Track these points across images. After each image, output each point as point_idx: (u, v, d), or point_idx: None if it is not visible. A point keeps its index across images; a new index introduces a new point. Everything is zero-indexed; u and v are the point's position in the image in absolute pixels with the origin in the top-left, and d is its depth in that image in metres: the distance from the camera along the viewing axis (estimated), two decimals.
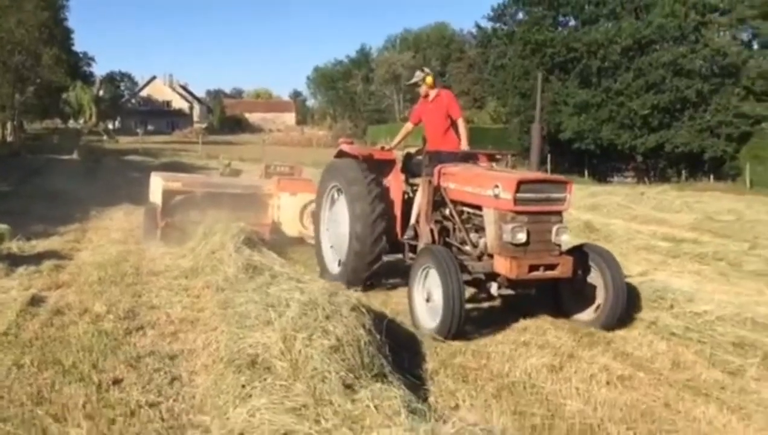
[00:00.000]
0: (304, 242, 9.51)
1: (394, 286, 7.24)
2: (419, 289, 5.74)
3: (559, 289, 6.04)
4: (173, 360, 4.63)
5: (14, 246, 8.46)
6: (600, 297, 5.75)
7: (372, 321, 4.47)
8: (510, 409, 4.01)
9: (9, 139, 42.45)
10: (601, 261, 5.79)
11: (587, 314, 5.89)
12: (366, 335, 4.16)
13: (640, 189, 22.93)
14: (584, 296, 5.89)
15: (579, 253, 5.89)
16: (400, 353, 4.76)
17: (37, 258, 8.02)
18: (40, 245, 8.97)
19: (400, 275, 7.05)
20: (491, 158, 7.24)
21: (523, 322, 5.95)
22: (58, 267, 7.68)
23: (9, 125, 45.01)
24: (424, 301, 5.67)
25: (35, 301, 6.05)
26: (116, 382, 4.16)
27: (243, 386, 3.75)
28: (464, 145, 7.02)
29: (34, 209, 12.34)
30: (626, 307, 5.80)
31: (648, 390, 4.43)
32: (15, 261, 7.65)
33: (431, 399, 4.10)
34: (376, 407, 3.14)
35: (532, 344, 5.33)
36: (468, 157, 6.93)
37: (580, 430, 3.79)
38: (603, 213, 15.72)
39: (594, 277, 5.83)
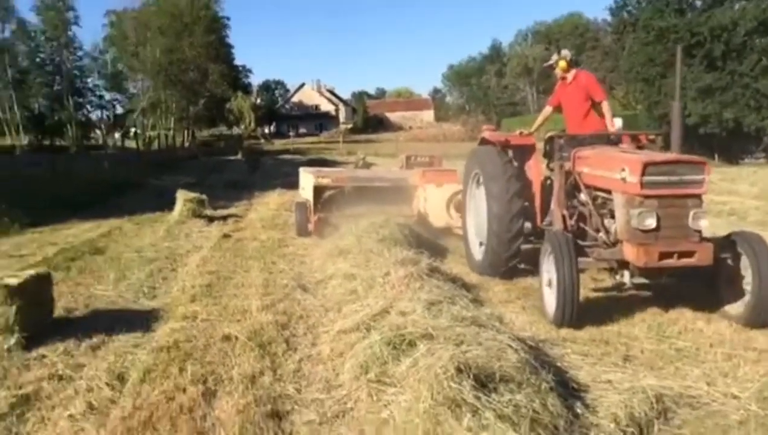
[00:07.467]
0: (452, 233, 9.54)
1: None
2: (545, 275, 5.56)
3: (715, 280, 5.50)
4: (302, 257, 8.34)
5: (208, 212, 12.73)
6: (749, 290, 5.21)
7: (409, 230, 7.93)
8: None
9: (186, 144, 50.08)
10: (749, 249, 5.22)
11: (737, 308, 5.34)
12: (402, 236, 7.60)
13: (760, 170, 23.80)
14: (736, 288, 5.33)
15: (728, 240, 5.44)
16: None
17: (223, 218, 12.30)
18: (223, 212, 13.31)
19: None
20: (636, 140, 6.77)
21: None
22: (237, 221, 11.99)
23: (185, 133, 52.96)
24: (548, 286, 5.50)
25: (226, 236, 10.09)
26: (273, 262, 7.93)
27: (333, 260, 7.28)
28: (610, 128, 6.84)
29: (216, 193, 16.81)
30: None
31: None
32: (210, 219, 11.91)
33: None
34: (389, 253, 6.52)
35: None
36: (610, 140, 6.63)
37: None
38: None
39: (745, 268, 5.26)
